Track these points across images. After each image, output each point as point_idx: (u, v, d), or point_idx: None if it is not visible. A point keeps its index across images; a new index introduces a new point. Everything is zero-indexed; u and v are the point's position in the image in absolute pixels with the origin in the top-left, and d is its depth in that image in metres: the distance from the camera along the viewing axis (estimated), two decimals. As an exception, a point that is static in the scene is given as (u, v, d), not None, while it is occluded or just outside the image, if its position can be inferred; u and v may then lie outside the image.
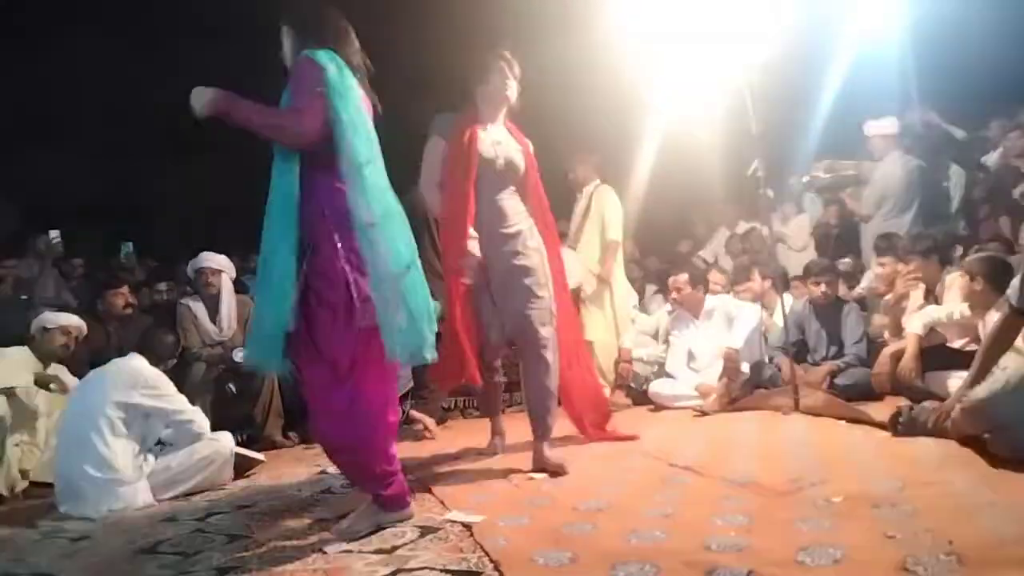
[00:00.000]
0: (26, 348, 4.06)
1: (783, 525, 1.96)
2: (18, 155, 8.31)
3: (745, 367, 4.53)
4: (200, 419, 3.54)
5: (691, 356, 4.75)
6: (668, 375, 4.81)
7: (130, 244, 7.50)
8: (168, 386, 3.45)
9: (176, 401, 3.46)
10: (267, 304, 2.30)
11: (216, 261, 4.91)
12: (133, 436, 3.30)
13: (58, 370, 4.15)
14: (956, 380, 3.58)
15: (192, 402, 3.84)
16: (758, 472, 2.55)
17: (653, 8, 4.35)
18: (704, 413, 4.27)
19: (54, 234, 6.35)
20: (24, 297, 4.52)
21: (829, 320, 4.55)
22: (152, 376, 3.41)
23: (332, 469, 3.44)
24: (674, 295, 4.91)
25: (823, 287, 4.54)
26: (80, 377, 3.84)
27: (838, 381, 4.21)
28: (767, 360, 4.66)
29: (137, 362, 3.44)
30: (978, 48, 6.36)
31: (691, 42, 4.23)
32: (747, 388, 4.46)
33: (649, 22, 4.28)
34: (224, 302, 4.86)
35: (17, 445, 3.83)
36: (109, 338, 4.90)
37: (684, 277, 4.83)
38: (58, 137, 8.61)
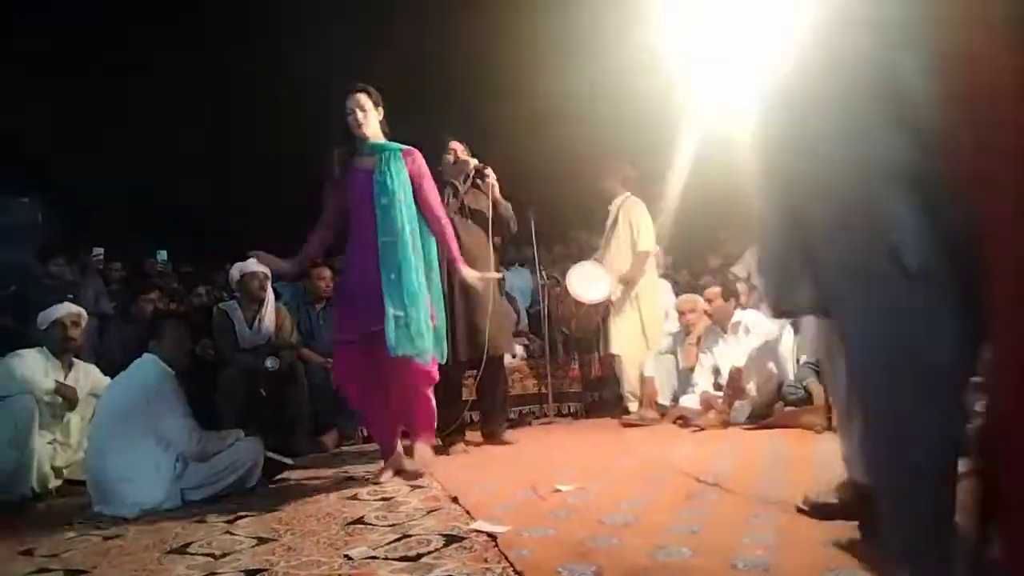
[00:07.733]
0: (44, 348, 4.13)
1: (811, 545, 1.93)
2: (63, 162, 8.55)
3: (751, 386, 4.41)
4: (192, 437, 3.37)
5: (717, 372, 4.69)
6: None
7: (164, 252, 7.68)
8: (168, 399, 3.36)
9: (174, 415, 3.36)
10: None
11: (263, 266, 4.99)
12: (157, 436, 3.33)
13: (89, 369, 4.22)
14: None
15: (224, 405, 3.85)
16: (787, 490, 2.52)
17: (689, 18, 4.33)
18: (701, 428, 4.23)
19: (97, 251, 6.52)
20: (70, 296, 4.65)
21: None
22: (160, 381, 3.37)
23: (358, 474, 3.52)
24: (705, 308, 4.87)
25: None
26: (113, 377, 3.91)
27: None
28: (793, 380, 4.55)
29: (147, 365, 3.45)
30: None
31: (725, 48, 4.22)
32: (771, 406, 4.38)
33: (685, 32, 4.26)
34: (268, 307, 4.95)
35: (50, 443, 3.92)
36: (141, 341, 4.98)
37: (717, 289, 4.79)
38: (102, 144, 8.84)
